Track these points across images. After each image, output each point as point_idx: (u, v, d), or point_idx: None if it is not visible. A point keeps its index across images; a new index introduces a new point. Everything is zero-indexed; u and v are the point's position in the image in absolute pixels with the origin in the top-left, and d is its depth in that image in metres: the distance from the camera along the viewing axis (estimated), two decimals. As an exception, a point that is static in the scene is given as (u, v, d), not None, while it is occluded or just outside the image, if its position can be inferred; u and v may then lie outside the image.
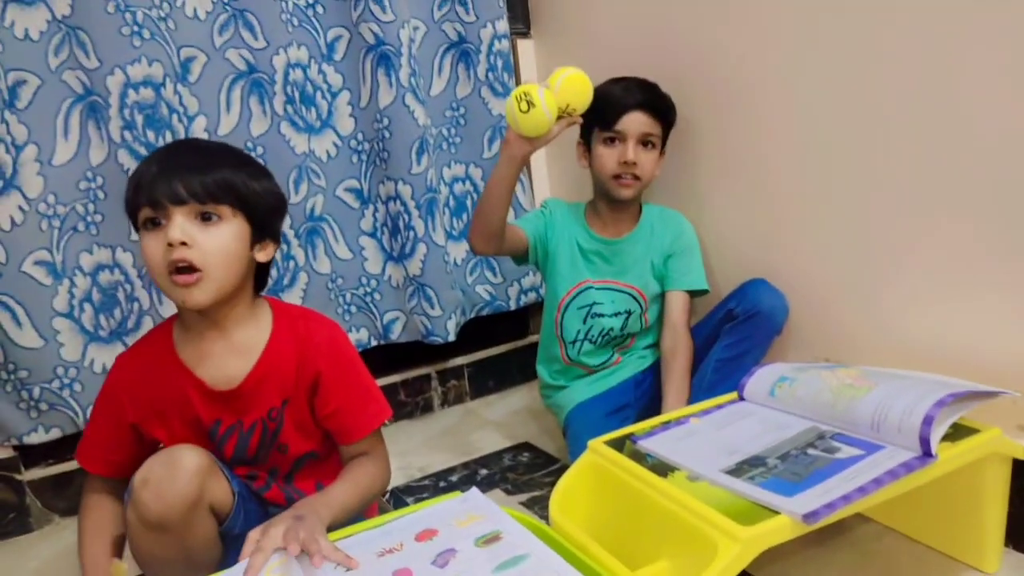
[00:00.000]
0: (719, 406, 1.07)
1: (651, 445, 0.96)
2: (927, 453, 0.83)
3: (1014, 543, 0.99)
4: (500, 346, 1.86)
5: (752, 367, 1.24)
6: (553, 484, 0.92)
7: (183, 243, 0.83)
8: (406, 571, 0.76)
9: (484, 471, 1.45)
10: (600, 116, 1.28)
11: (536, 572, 0.73)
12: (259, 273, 0.98)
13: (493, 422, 1.69)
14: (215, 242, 0.86)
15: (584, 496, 0.96)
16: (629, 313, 1.38)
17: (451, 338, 1.64)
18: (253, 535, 0.80)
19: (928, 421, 0.83)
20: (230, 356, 0.94)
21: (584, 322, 1.38)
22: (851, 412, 0.91)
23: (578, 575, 0.72)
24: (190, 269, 0.84)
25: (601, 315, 1.37)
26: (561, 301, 1.38)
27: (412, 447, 1.59)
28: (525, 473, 1.42)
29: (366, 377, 1.04)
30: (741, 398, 1.08)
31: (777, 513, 0.77)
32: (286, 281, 1.51)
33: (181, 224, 0.84)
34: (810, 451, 0.88)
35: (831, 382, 0.97)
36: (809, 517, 0.75)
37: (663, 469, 0.90)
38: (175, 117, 1.34)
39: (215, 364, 0.94)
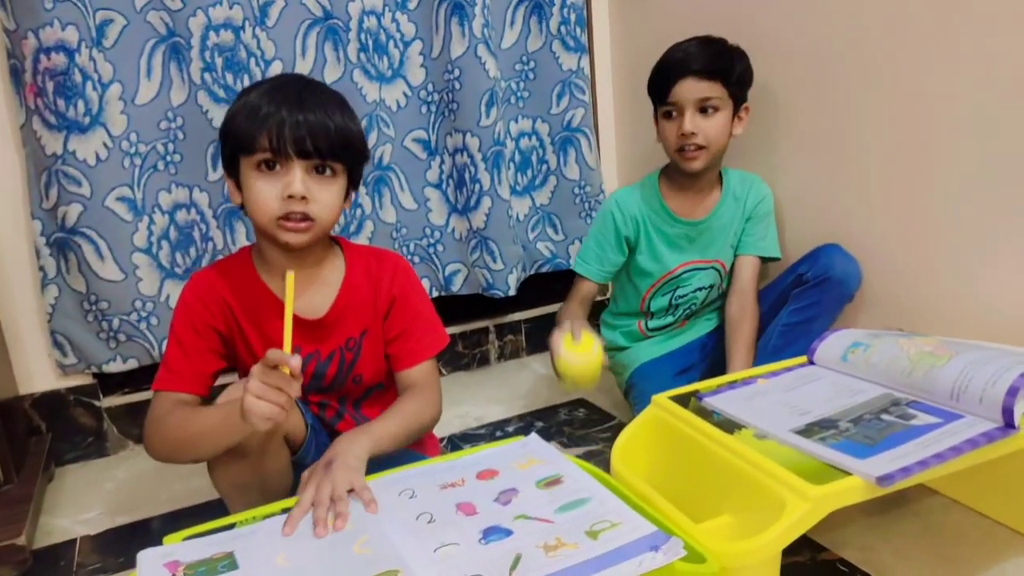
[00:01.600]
0: (787, 369, 1.05)
1: (717, 403, 0.95)
2: (1009, 424, 0.81)
3: (1090, 524, 0.96)
4: (558, 304, 1.86)
5: (820, 333, 1.22)
6: (609, 440, 0.92)
7: (303, 197, 0.86)
8: (469, 505, 0.77)
9: (540, 424, 1.46)
10: (657, 89, 1.25)
11: (598, 514, 0.73)
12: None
13: (548, 377, 1.70)
14: (329, 197, 0.89)
15: (646, 449, 0.96)
16: (712, 287, 1.36)
17: (511, 292, 1.64)
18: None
19: (1013, 392, 0.81)
20: (314, 289, 0.97)
21: (670, 302, 1.37)
22: (930, 380, 0.89)
23: (640, 518, 0.72)
24: (304, 218, 0.87)
25: (686, 293, 1.36)
26: (649, 289, 1.36)
27: (469, 397, 1.62)
28: (581, 428, 1.43)
29: (429, 306, 1.06)
30: (811, 362, 1.06)
31: (848, 474, 0.76)
32: (352, 228, 1.53)
33: (303, 178, 0.86)
34: (884, 416, 0.86)
35: (909, 349, 0.94)
36: (883, 480, 0.73)
37: (729, 426, 0.89)
38: (252, 61, 1.36)
39: (300, 295, 0.95)
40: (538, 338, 1.84)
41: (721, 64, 1.22)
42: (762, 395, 0.96)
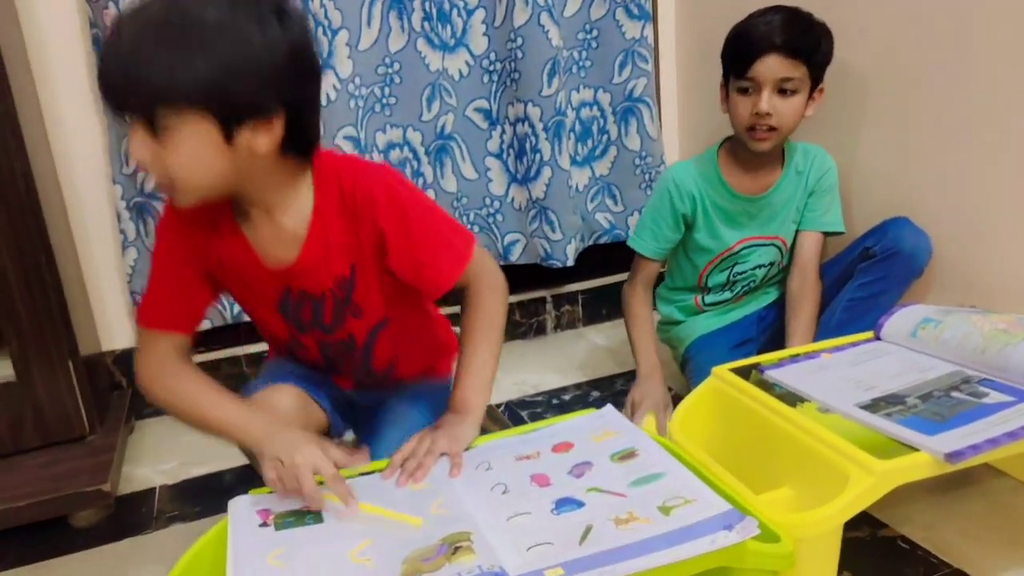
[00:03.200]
0: (853, 344, 1.04)
1: (780, 375, 0.95)
2: (1087, 405, 0.79)
3: None
4: (615, 275, 1.86)
5: (887, 308, 1.20)
6: None
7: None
8: (543, 476, 0.79)
9: (596, 393, 1.47)
10: (734, 61, 1.20)
11: (672, 490, 0.73)
12: (295, 139, 0.79)
13: (605, 348, 1.71)
14: (175, 159, 0.73)
15: (705, 420, 0.97)
16: (772, 264, 1.34)
17: (570, 263, 1.65)
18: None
19: (1093, 371, 0.78)
20: (279, 240, 0.86)
21: (728, 278, 1.35)
22: (1003, 358, 0.87)
23: (715, 495, 0.71)
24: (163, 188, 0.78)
25: (745, 271, 1.34)
26: (707, 266, 1.34)
27: (526, 364, 1.64)
28: (636, 399, 1.43)
29: (435, 218, 0.89)
30: (877, 338, 1.04)
31: (914, 450, 0.75)
32: (414, 197, 1.55)
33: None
34: (954, 394, 0.85)
35: (982, 327, 0.92)
36: (952, 456, 0.73)
37: (792, 399, 0.89)
38: (320, 30, 1.38)
39: (268, 246, 0.86)
40: (595, 309, 1.85)
41: (808, 43, 1.16)
42: (826, 369, 0.96)
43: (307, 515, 0.74)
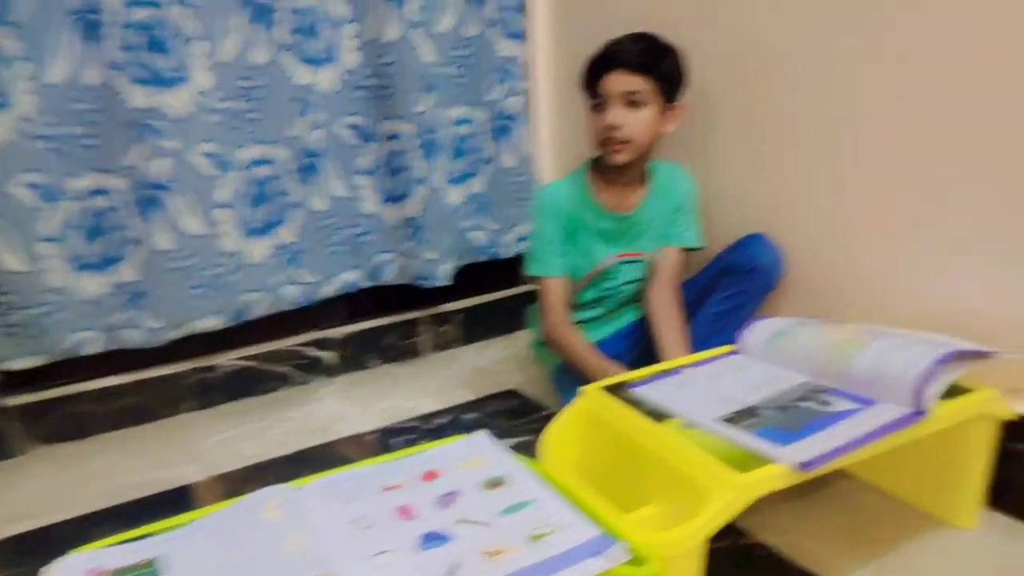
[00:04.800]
0: (715, 358, 1.07)
1: (646, 393, 0.96)
2: (921, 410, 0.84)
3: (991, 502, 1.01)
4: (492, 293, 1.86)
5: (746, 320, 1.26)
6: (539, 431, 0.92)
7: None
8: (409, 508, 0.76)
9: (470, 415, 1.45)
10: (586, 82, 1.26)
11: (541, 517, 0.73)
12: None
13: (481, 369, 1.69)
14: None
15: (575, 441, 0.97)
16: (641, 280, 1.38)
17: (446, 282, 1.63)
18: None
19: (925, 378, 0.84)
20: None
21: (599, 296, 1.38)
22: (848, 367, 0.92)
23: (584, 521, 0.71)
24: None
25: (614, 287, 1.37)
26: (580, 283, 1.37)
27: (399, 389, 1.60)
28: (511, 419, 1.42)
29: None
30: (738, 351, 1.08)
31: (771, 462, 0.78)
32: (277, 218, 1.48)
33: None
34: (803, 403, 0.89)
35: (831, 337, 0.97)
36: (805, 466, 0.75)
37: (658, 416, 0.90)
38: (177, 40, 1.29)
39: None
40: (472, 328, 1.83)
41: (649, 58, 1.21)
42: (690, 384, 0.98)
43: (144, 570, 0.67)
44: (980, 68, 0.98)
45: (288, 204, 1.49)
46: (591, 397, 0.98)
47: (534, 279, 1.34)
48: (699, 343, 1.27)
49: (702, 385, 0.97)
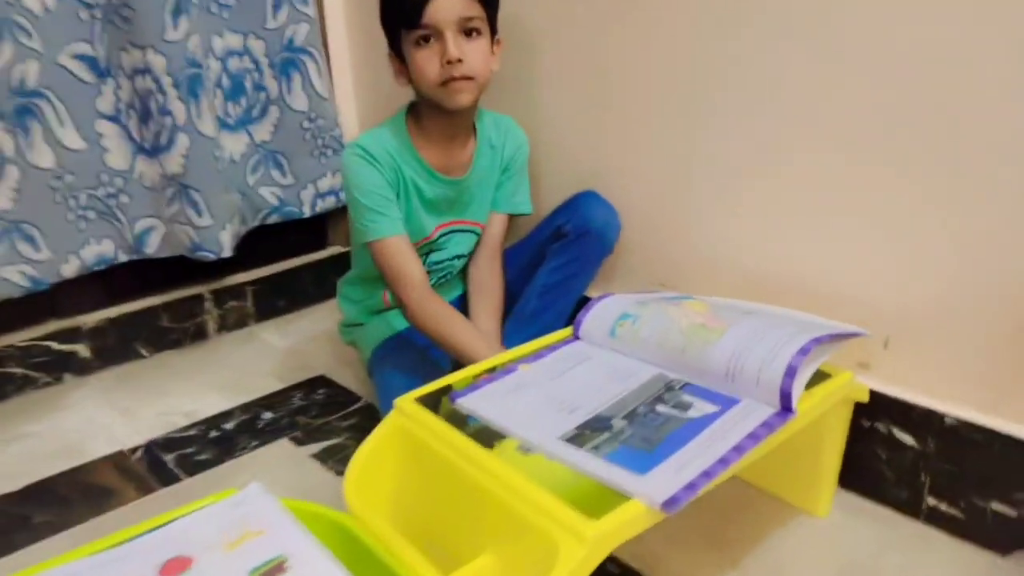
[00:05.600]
0: (551, 347, 0.91)
1: (473, 403, 0.78)
2: (787, 408, 0.72)
3: (843, 482, 0.94)
4: (292, 259, 1.59)
5: (580, 291, 1.11)
6: (355, 430, 0.72)
7: None
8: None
9: (268, 415, 1.21)
10: (401, 13, 0.99)
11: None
12: None
13: (283, 350, 1.44)
14: None
15: (391, 470, 0.77)
16: (470, 253, 1.18)
17: (225, 253, 1.34)
18: None
19: (790, 373, 0.72)
20: None
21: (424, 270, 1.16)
22: (703, 359, 0.79)
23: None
24: None
25: (443, 260, 1.16)
26: None
27: (177, 384, 1.31)
28: (319, 415, 1.20)
29: None
30: (576, 337, 0.93)
31: (628, 497, 0.63)
32: (-13, 177, 1.12)
33: None
34: (660, 408, 0.75)
35: (680, 321, 0.83)
36: (669, 505, 0.61)
37: (488, 437, 0.72)
38: None
39: None
40: (268, 301, 1.56)
41: None
42: (525, 388, 0.81)
43: None
44: (830, 18, 0.85)
45: (-5, 162, 1.13)
46: (407, 412, 0.78)
47: (373, 250, 1.06)
48: (532, 319, 1.11)
49: (539, 387, 0.80)
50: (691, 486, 0.62)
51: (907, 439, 0.89)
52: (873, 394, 0.88)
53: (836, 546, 0.87)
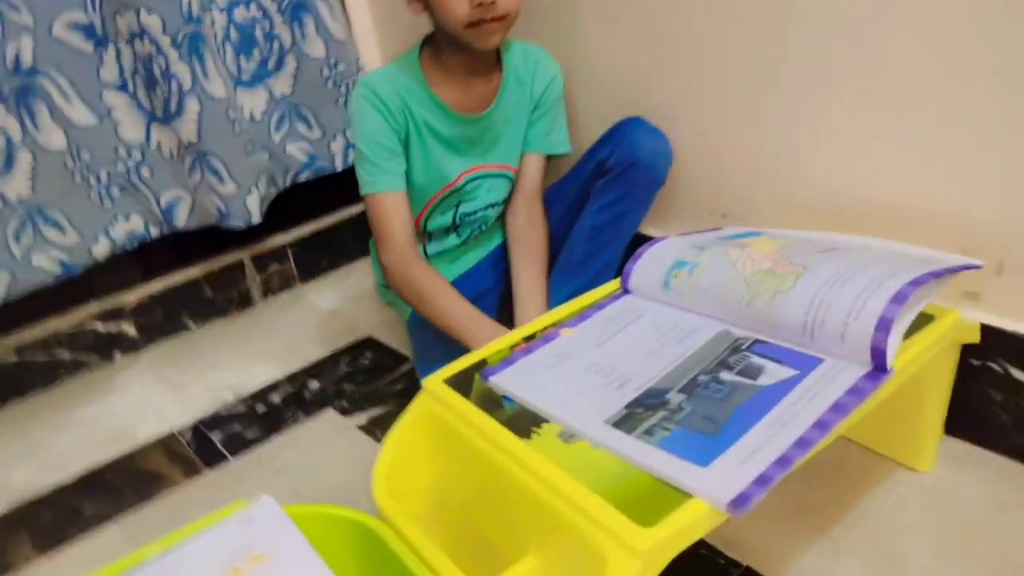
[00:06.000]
0: (597, 305, 0.80)
1: (507, 382, 0.68)
2: (880, 367, 0.60)
3: (950, 429, 0.82)
4: (329, 216, 1.51)
5: (633, 231, 0.99)
6: (402, 396, 0.65)
7: None
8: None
9: (315, 384, 1.16)
10: None
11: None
12: None
13: (328, 312, 1.38)
14: None
15: (423, 460, 0.69)
16: (506, 201, 1.07)
17: (255, 220, 1.27)
18: None
19: (884, 326, 0.60)
20: None
21: (452, 221, 1.06)
22: (775, 312, 0.67)
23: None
24: None
25: (474, 211, 1.05)
26: (425, 207, 1.03)
27: (224, 356, 1.27)
28: (366, 382, 1.14)
29: None
30: (625, 290, 0.82)
31: (689, 495, 0.53)
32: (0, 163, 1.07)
33: None
34: (725, 375, 0.64)
35: (744, 268, 0.71)
36: (737, 505, 0.51)
37: (525, 423, 0.63)
38: None
39: None
40: (311, 261, 1.49)
41: None
42: (566, 358, 0.71)
43: None
44: None
45: (7, 148, 1.07)
46: (436, 394, 0.70)
47: (365, 203, 0.99)
48: (580, 266, 1.00)
49: (584, 356, 0.70)
50: (764, 479, 0.52)
51: (1027, 379, 0.75)
52: (985, 328, 0.74)
53: (944, 505, 0.76)
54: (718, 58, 0.92)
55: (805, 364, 0.63)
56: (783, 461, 0.53)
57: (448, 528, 0.67)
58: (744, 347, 0.67)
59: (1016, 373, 0.75)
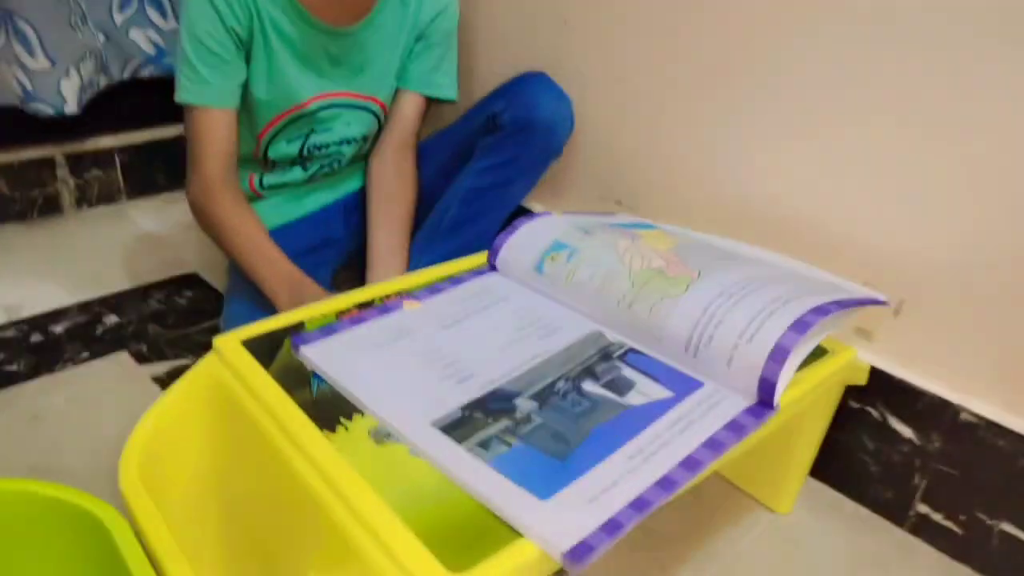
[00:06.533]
0: (455, 279, 0.66)
1: (322, 356, 0.54)
2: (766, 402, 0.51)
3: (815, 471, 0.75)
4: (173, 125, 1.29)
5: (516, 201, 0.87)
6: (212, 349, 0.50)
7: None
8: None
9: (112, 319, 0.96)
10: None
11: None
12: None
13: (151, 236, 1.17)
14: None
15: (197, 442, 0.54)
16: (365, 139, 0.90)
17: (69, 109, 1.04)
18: None
19: (779, 356, 0.50)
20: None
21: (300, 152, 0.88)
22: (658, 320, 0.56)
23: None
24: None
25: (326, 145, 0.88)
26: (266, 128, 0.84)
27: (8, 271, 1.04)
28: (177, 325, 0.96)
29: None
30: (492, 267, 0.69)
31: (520, 534, 0.41)
32: None
33: None
34: (588, 386, 0.52)
35: (632, 261, 0.60)
36: (575, 557, 0.39)
37: (334, 412, 0.49)
38: None
39: None
40: (143, 175, 1.27)
41: None
42: (403, 336, 0.57)
43: None
44: None
45: None
46: (227, 359, 0.54)
47: (184, 114, 0.80)
48: (447, 231, 0.87)
49: (424, 338, 0.57)
50: (613, 525, 0.41)
51: (905, 431, 0.69)
52: (872, 372, 0.67)
53: (800, 554, 0.68)
54: (633, 30, 0.81)
55: (682, 386, 0.52)
56: (640, 504, 0.42)
57: (219, 529, 0.52)
58: (616, 355, 0.56)
59: (894, 423, 0.69)
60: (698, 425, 0.48)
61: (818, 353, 0.59)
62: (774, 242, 0.71)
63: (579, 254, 0.62)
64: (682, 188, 0.82)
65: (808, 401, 0.57)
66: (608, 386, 0.52)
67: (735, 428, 0.49)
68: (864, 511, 0.73)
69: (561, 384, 0.52)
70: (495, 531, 0.41)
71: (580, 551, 0.39)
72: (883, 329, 0.69)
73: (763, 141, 0.73)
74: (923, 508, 0.69)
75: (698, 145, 0.79)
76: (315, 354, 0.54)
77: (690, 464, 0.45)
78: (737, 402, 0.51)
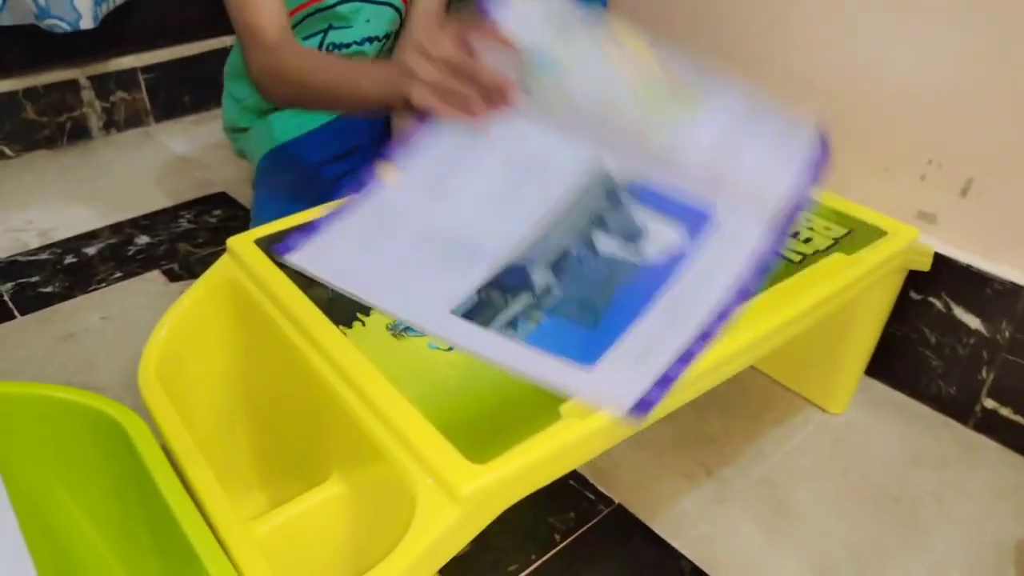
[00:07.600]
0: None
1: (314, 261, 0.48)
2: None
3: (871, 369, 0.70)
4: (199, 41, 1.25)
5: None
6: None
7: None
8: None
9: (143, 239, 0.95)
10: None
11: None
12: None
13: (180, 157, 1.16)
14: None
15: (216, 344, 0.52)
16: (388, 37, 0.84)
17: (84, 24, 1.01)
18: None
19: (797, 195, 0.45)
20: None
21: (319, 49, 0.82)
22: (673, 146, 0.50)
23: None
24: None
25: (346, 44, 0.82)
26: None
27: (38, 196, 1.04)
28: (208, 243, 0.94)
29: None
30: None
31: (569, 396, 0.38)
32: None
33: None
34: (603, 245, 0.47)
35: (624, 71, 0.52)
36: (641, 411, 0.37)
37: (350, 306, 0.47)
38: None
39: None
40: (171, 95, 1.24)
41: None
42: (393, 222, 0.51)
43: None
44: None
45: None
46: (241, 259, 0.52)
47: None
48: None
49: (416, 213, 0.50)
50: (666, 379, 0.39)
51: (972, 321, 0.64)
52: (936, 258, 0.61)
53: (851, 454, 0.65)
54: None
55: (694, 220, 0.48)
56: (686, 357, 0.40)
57: (242, 431, 0.51)
58: (621, 191, 0.50)
59: (959, 313, 0.64)
60: (720, 268, 0.45)
61: (874, 233, 0.53)
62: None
63: (563, 65, 0.52)
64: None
65: (865, 284, 0.52)
66: (622, 232, 0.48)
67: (762, 258, 0.45)
68: (924, 409, 0.69)
69: (575, 247, 0.47)
70: (516, 424, 0.38)
71: (644, 406, 0.37)
72: (948, 212, 0.63)
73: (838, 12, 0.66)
74: (990, 403, 0.65)
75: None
76: (304, 259, 0.49)
77: (722, 315, 0.42)
78: (753, 230, 0.46)
